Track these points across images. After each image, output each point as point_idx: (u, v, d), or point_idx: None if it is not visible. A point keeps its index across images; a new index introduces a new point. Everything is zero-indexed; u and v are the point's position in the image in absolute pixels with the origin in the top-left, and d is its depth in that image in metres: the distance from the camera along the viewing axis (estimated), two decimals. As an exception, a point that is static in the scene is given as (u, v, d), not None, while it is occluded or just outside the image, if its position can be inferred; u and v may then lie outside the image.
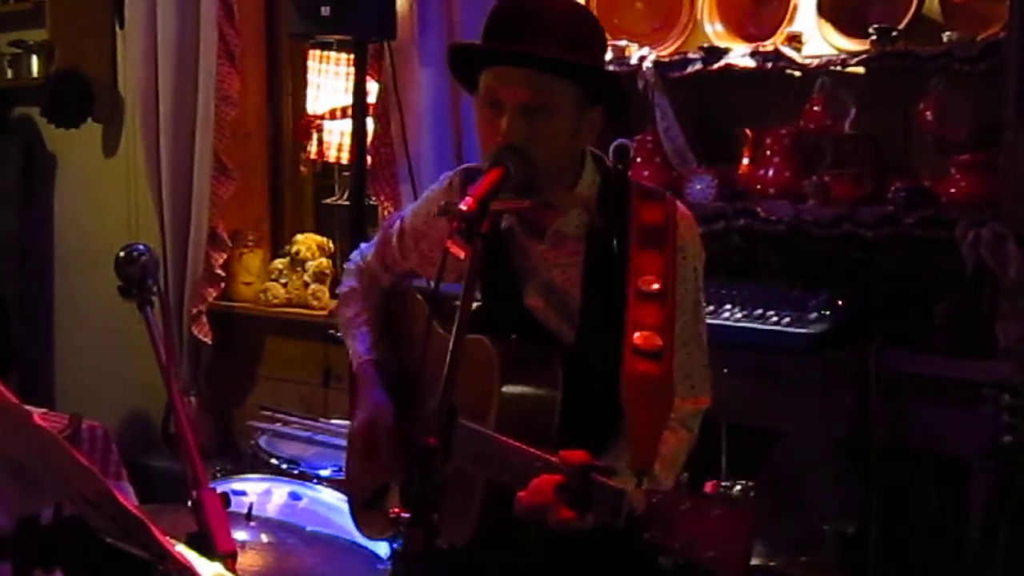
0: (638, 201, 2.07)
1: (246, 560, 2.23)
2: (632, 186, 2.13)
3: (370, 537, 2.44)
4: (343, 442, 3.23)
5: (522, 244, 2.13)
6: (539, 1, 2.02)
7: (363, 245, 2.50)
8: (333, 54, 4.20)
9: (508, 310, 2.12)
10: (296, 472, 3.10)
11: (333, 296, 4.49)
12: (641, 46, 3.46)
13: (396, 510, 1.93)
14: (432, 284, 2.12)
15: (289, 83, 4.78)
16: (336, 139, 4.19)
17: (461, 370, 1.79)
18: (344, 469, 2.52)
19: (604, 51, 2.15)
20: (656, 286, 1.97)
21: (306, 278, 4.56)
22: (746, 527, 1.56)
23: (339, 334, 3.83)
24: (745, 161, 3.35)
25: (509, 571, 2.11)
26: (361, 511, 2.37)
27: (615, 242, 2.05)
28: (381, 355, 2.33)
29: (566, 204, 2.08)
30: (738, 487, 1.55)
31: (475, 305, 2.04)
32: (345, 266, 2.51)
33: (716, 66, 3.28)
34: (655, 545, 1.61)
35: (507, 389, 1.99)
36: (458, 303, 1.84)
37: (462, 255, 1.84)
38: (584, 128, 2.04)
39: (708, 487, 1.62)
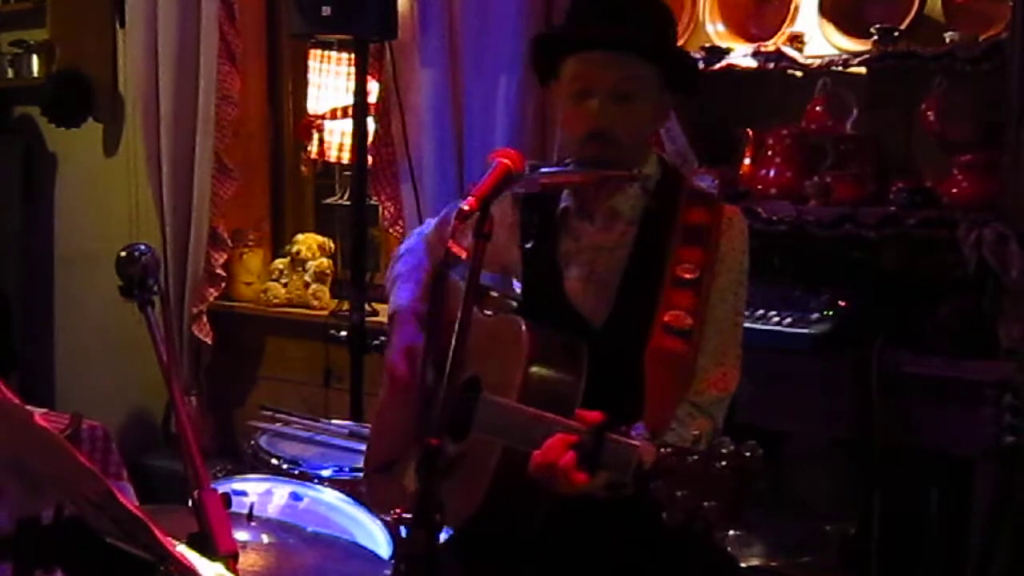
0: (686, 202, 2.11)
1: (247, 560, 2.22)
2: (684, 185, 2.17)
3: (378, 510, 2.45)
4: (344, 442, 3.26)
5: (573, 226, 2.17)
6: None
7: (429, 221, 2.55)
8: (334, 54, 4.19)
9: (545, 292, 2.15)
10: (297, 472, 3.10)
11: (334, 296, 4.49)
12: (642, 46, 3.45)
13: (398, 511, 1.93)
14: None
15: (290, 83, 4.78)
16: (337, 139, 4.19)
17: (489, 348, 1.91)
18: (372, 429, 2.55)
19: (672, 26, 2.21)
20: (692, 275, 2.01)
21: (307, 278, 4.56)
22: (750, 478, 1.58)
23: (340, 333, 3.89)
24: (747, 161, 3.35)
25: (510, 570, 2.12)
26: (375, 482, 2.39)
27: (663, 232, 2.08)
28: (423, 310, 2.33)
29: (624, 180, 2.12)
30: (750, 445, 1.58)
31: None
32: (409, 235, 2.56)
33: (718, 66, 3.28)
34: (658, 499, 1.62)
35: (533, 370, 2.01)
36: (494, 292, 1.88)
37: (463, 255, 1.84)
38: (661, 113, 2.13)
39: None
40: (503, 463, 1.96)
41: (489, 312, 2.18)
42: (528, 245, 2.18)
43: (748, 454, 1.58)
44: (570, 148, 2.17)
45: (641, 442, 1.71)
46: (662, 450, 1.64)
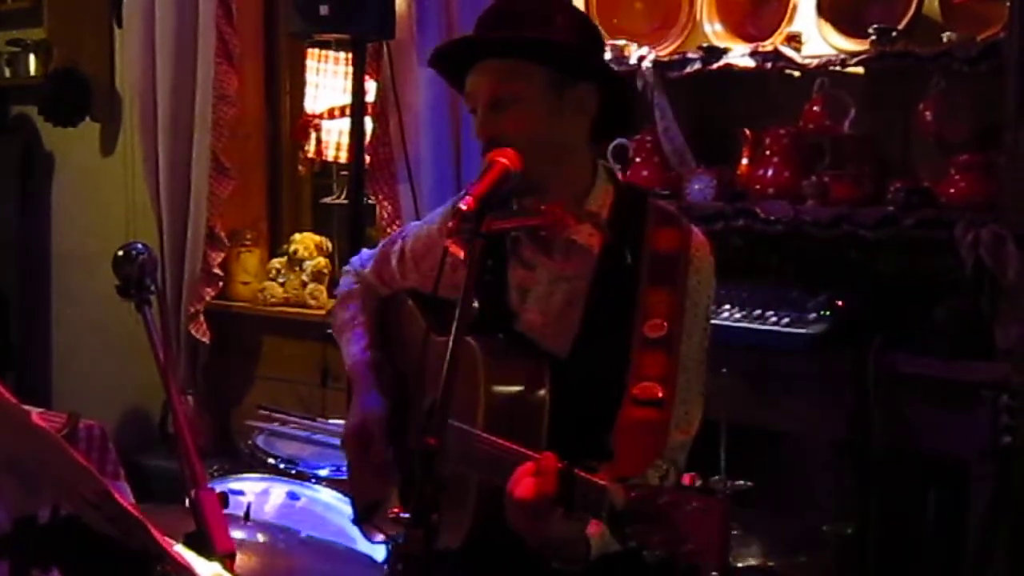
0: (654, 225, 2.04)
1: (244, 560, 2.23)
2: (650, 207, 2.08)
3: (373, 541, 2.43)
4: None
5: (528, 257, 2.11)
6: None
7: (364, 251, 2.48)
8: (332, 53, 4.19)
9: (497, 324, 2.09)
10: (294, 472, 3.10)
11: (331, 296, 4.49)
12: (640, 46, 3.45)
13: (396, 510, 1.92)
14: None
15: (287, 82, 4.78)
16: (334, 138, 4.19)
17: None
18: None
19: (575, 25, 2.06)
20: (662, 332, 1.93)
21: (304, 277, 4.56)
22: (720, 518, 1.52)
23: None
24: (744, 161, 3.35)
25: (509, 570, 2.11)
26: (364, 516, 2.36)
27: (627, 262, 2.01)
28: (376, 356, 2.31)
29: (578, 218, 2.04)
30: (716, 478, 1.53)
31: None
32: (344, 269, 2.50)
33: (715, 66, 3.28)
34: (636, 542, 1.58)
35: (494, 389, 1.96)
36: (454, 310, 1.83)
37: (461, 255, 1.83)
38: (569, 109, 2.01)
39: (686, 479, 1.60)
40: (483, 493, 1.91)
41: (443, 336, 2.15)
42: (486, 277, 2.08)
43: (716, 490, 1.54)
44: None
45: (610, 483, 1.64)
46: (632, 495, 1.59)
